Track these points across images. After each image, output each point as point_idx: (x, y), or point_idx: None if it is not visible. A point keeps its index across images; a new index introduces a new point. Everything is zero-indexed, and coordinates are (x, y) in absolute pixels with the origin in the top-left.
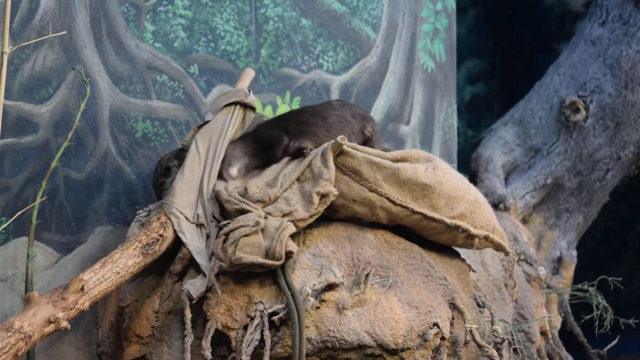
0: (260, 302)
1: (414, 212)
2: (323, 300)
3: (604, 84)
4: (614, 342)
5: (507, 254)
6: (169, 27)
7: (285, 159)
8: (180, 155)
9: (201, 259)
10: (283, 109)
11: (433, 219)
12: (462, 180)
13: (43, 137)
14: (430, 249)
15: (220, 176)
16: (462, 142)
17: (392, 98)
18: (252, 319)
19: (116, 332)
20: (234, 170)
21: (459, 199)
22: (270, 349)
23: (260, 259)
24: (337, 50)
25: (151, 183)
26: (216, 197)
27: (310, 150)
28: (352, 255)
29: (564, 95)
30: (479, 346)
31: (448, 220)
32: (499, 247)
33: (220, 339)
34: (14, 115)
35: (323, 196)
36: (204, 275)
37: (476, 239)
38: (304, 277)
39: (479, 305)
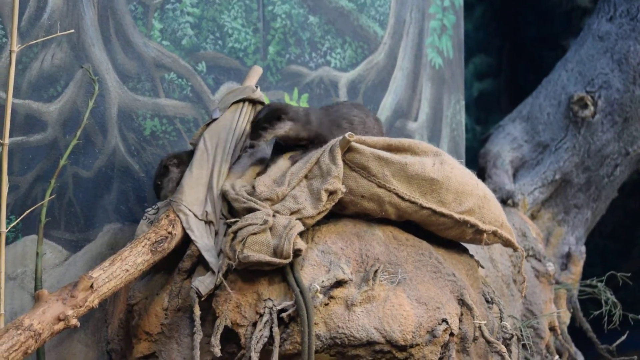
0: (269, 299)
1: (422, 207)
2: (332, 297)
3: (612, 80)
4: (623, 338)
5: (515, 249)
6: (177, 25)
7: (291, 155)
8: (181, 155)
9: (210, 257)
10: None
11: (442, 214)
12: (470, 176)
13: (52, 135)
14: (439, 245)
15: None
16: (470, 139)
17: (400, 95)
18: (261, 315)
19: (125, 329)
20: None
21: (467, 194)
22: (280, 346)
23: (268, 258)
24: (344, 47)
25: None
26: (223, 196)
27: None
28: (360, 252)
29: (572, 91)
30: (488, 342)
31: (456, 216)
32: (507, 243)
33: (230, 336)
34: (23, 113)
35: (331, 193)
36: (213, 272)
37: (485, 235)
38: (312, 274)
39: (487, 301)
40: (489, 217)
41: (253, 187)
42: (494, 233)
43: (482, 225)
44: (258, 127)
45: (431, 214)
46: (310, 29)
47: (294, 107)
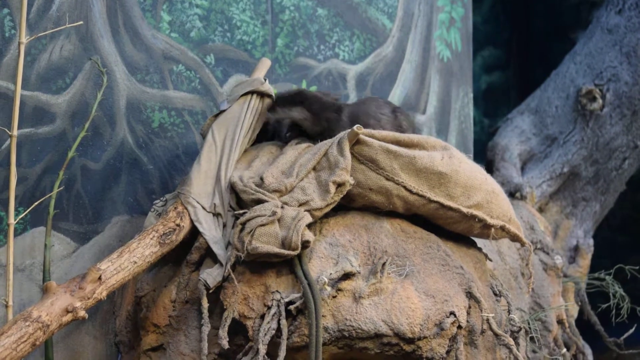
0: (277, 291)
1: (430, 201)
2: (340, 290)
3: (621, 73)
4: (631, 331)
5: (523, 244)
6: (185, 17)
7: (301, 147)
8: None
9: (218, 249)
10: None
11: (449, 208)
12: (479, 170)
13: (60, 127)
14: (447, 238)
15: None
16: (479, 131)
17: (408, 87)
18: (269, 308)
19: (133, 321)
20: None
21: (475, 188)
22: (287, 338)
23: (276, 249)
24: (353, 40)
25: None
26: (232, 188)
27: None
28: (368, 244)
29: (581, 83)
30: (496, 335)
31: (464, 210)
32: (515, 238)
33: (237, 328)
34: (31, 105)
35: (339, 185)
36: (221, 264)
37: (492, 229)
38: (320, 266)
39: (495, 294)
40: (497, 212)
41: (261, 179)
42: (502, 228)
43: (489, 220)
44: (278, 101)
45: (439, 207)
46: (319, 21)
47: (325, 100)
